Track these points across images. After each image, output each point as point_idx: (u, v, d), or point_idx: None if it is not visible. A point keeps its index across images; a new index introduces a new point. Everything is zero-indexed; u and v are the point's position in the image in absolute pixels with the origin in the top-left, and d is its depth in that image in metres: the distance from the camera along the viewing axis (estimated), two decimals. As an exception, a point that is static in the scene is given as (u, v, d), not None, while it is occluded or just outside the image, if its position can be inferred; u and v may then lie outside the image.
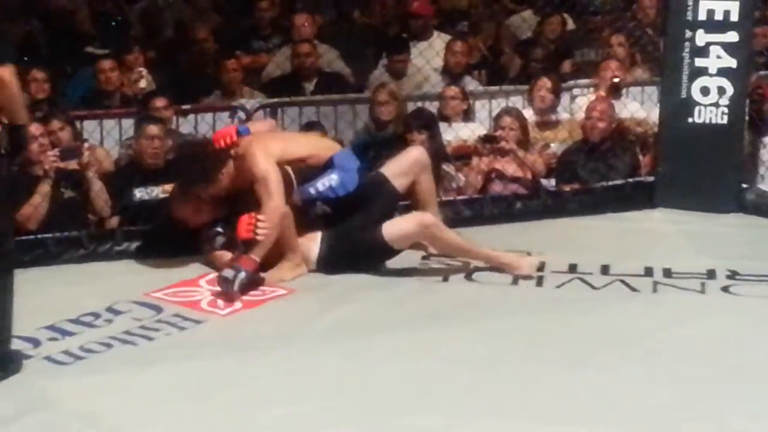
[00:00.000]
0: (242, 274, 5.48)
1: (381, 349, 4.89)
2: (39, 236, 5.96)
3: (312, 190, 5.93)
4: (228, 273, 5.48)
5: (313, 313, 5.34)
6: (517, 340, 4.96)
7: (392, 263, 5.84)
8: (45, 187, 6.04)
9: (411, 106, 7.74)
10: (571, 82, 8.33)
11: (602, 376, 4.54)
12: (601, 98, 7.49)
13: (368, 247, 5.77)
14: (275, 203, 5.64)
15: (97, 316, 5.22)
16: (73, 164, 6.24)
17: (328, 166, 5.96)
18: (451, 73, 8.39)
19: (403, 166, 6.09)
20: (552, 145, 7.58)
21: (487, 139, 7.11)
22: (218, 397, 4.36)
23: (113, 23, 9.12)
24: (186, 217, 5.94)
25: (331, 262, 5.82)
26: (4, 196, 4.51)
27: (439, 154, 7.03)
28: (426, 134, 7.02)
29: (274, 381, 4.52)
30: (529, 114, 7.67)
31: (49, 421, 4.10)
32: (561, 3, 9.20)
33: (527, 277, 5.76)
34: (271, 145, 5.85)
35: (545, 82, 7.77)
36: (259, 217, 5.59)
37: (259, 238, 5.56)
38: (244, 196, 5.79)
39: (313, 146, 6.13)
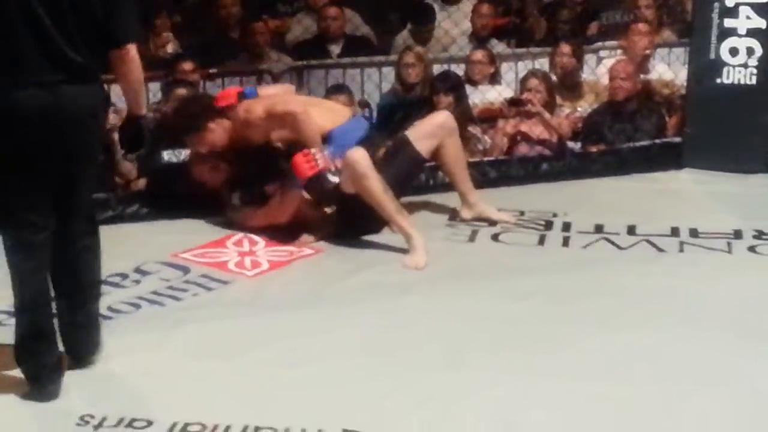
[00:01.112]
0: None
1: (409, 308, 4.91)
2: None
3: None
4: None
5: (340, 273, 5.34)
6: (544, 299, 4.97)
7: (418, 226, 5.83)
8: None
9: (438, 69, 7.73)
10: (598, 44, 8.29)
11: (629, 335, 4.54)
12: (626, 60, 7.46)
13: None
14: (311, 138, 5.74)
15: (124, 276, 5.25)
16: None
17: (325, 141, 5.89)
18: (478, 36, 8.35)
19: (428, 129, 6.05)
20: (579, 108, 7.56)
21: (514, 101, 7.11)
22: (247, 356, 4.39)
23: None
24: (203, 177, 5.99)
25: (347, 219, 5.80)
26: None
27: (465, 117, 7.02)
28: (452, 96, 7.01)
29: (302, 340, 4.54)
30: (554, 77, 7.67)
31: (77, 382, 4.12)
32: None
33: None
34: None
35: (565, 48, 7.73)
36: (311, 150, 5.63)
37: (322, 165, 5.59)
38: (258, 155, 5.83)
39: (319, 117, 5.97)
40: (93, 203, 4.26)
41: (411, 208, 6.04)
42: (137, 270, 5.34)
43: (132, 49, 3.98)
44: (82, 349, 4.22)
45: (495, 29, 8.66)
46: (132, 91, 4.09)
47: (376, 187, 5.51)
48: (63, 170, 3.95)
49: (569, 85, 7.73)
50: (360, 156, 5.54)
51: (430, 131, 6.04)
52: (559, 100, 7.49)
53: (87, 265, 4.15)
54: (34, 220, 3.90)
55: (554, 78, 7.66)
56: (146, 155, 6.23)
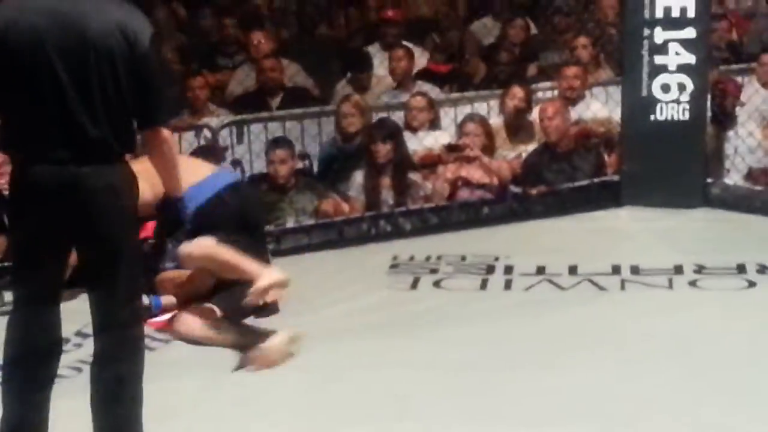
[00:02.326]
0: None
1: (349, 359, 4.88)
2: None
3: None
4: None
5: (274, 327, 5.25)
6: (488, 344, 4.96)
7: (360, 275, 5.81)
8: None
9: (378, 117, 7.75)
10: (534, 86, 8.35)
11: (573, 376, 4.55)
12: (555, 100, 7.56)
13: None
14: None
15: (66, 341, 5.18)
16: None
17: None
18: (397, 81, 8.36)
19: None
20: (523, 152, 7.60)
21: (452, 147, 7.15)
22: (186, 415, 4.36)
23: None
24: None
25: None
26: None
27: (404, 164, 7.05)
28: (390, 144, 7.02)
29: (244, 394, 4.52)
30: (499, 121, 7.72)
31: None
32: (521, 7, 9.23)
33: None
34: None
35: (517, 91, 7.78)
36: None
37: None
38: None
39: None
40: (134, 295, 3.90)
41: (352, 257, 6.04)
42: (78, 333, 5.23)
43: (164, 130, 3.81)
44: None
45: (435, 75, 8.70)
46: (165, 171, 3.93)
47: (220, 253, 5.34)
48: (87, 253, 3.78)
49: (518, 127, 7.76)
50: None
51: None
52: (508, 143, 7.55)
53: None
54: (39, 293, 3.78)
55: (502, 120, 7.72)
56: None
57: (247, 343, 4.90)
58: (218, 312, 5.25)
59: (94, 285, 3.81)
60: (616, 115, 7.51)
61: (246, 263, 5.30)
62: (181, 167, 5.20)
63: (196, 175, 5.44)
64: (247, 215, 5.62)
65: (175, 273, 5.58)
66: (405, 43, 8.68)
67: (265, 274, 5.27)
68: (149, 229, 5.28)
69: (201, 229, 5.35)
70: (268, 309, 5.45)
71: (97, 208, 3.69)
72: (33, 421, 3.83)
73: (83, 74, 3.63)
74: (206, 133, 7.62)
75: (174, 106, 3.89)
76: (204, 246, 5.33)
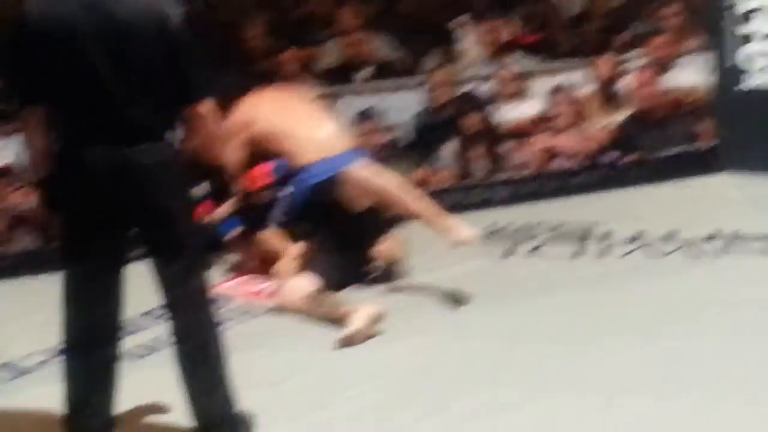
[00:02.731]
0: None
1: (447, 326, 4.88)
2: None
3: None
4: None
5: (373, 298, 5.26)
6: (584, 313, 4.90)
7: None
8: None
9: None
10: (624, 56, 8.25)
11: (672, 344, 4.45)
12: (647, 69, 7.47)
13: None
14: None
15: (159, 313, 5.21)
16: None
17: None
18: (492, 52, 8.32)
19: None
20: (614, 120, 7.52)
21: (542, 118, 7.09)
22: (289, 383, 4.37)
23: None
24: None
25: None
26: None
27: (494, 134, 7.01)
28: (480, 115, 6.98)
29: (344, 363, 4.54)
30: (589, 90, 7.65)
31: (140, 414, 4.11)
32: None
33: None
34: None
35: (606, 60, 7.72)
36: None
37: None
38: None
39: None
40: (194, 260, 3.87)
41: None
42: (146, 314, 5.17)
43: (201, 106, 3.79)
44: (203, 416, 3.88)
45: (524, 46, 8.64)
46: (203, 146, 3.91)
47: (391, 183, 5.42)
48: (147, 232, 3.79)
49: (608, 96, 7.69)
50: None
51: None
52: (598, 112, 7.47)
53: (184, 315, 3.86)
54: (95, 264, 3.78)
55: (592, 90, 7.66)
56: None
57: (340, 315, 4.90)
58: (317, 283, 5.25)
59: (157, 260, 3.82)
60: (705, 83, 7.39)
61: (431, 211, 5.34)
62: (315, 138, 5.42)
63: (325, 150, 5.47)
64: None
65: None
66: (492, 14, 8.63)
67: (456, 227, 5.24)
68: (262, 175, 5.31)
69: (312, 206, 5.41)
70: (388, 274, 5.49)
71: (150, 185, 3.71)
72: (96, 400, 3.84)
73: (119, 57, 3.65)
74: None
75: (212, 82, 3.86)
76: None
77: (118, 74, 3.66)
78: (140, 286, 3.91)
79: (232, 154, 5.54)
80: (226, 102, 5.41)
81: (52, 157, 3.77)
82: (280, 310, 5.26)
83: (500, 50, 8.38)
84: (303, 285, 5.21)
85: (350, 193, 5.41)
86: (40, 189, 3.87)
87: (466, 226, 5.26)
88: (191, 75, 3.76)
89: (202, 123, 3.80)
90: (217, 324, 3.89)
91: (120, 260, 3.83)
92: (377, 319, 4.83)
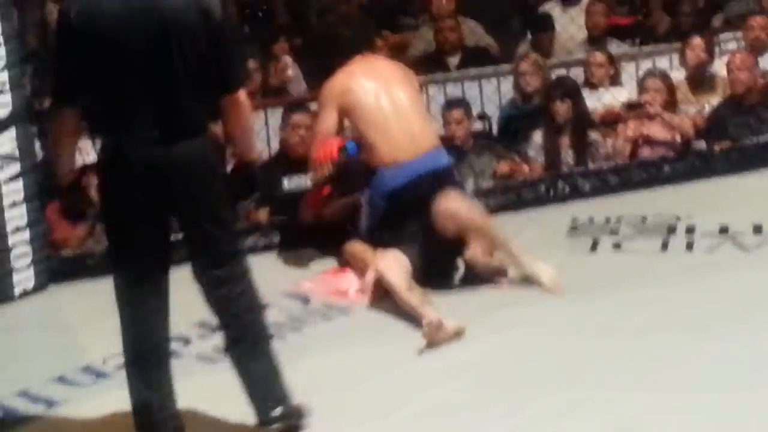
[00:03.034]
0: None
1: (530, 323, 4.89)
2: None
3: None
4: None
5: (457, 296, 5.32)
6: (669, 308, 4.87)
7: (537, 236, 5.78)
8: None
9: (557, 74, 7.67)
10: (720, 37, 8.14)
11: (759, 342, 4.42)
12: (744, 52, 7.34)
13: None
14: None
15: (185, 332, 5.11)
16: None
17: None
18: (592, 37, 8.26)
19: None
20: (706, 105, 7.43)
21: (632, 105, 7.03)
22: (368, 383, 4.42)
23: (259, 13, 9.24)
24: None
25: None
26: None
27: (584, 122, 6.97)
28: (569, 102, 6.94)
29: (423, 364, 4.57)
30: (680, 74, 7.55)
31: (205, 418, 4.17)
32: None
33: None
34: None
35: (698, 42, 7.60)
36: None
37: None
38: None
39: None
40: (233, 253, 3.99)
41: (530, 219, 5.99)
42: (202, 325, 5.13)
43: (242, 93, 3.91)
44: (261, 406, 3.98)
45: (618, 28, 8.56)
46: (243, 135, 4.03)
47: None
48: (188, 227, 3.90)
49: (701, 80, 7.59)
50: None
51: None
52: (690, 97, 7.38)
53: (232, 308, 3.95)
54: (144, 266, 3.87)
55: (684, 74, 7.57)
56: (267, 185, 6.22)
57: (421, 313, 4.91)
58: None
59: (197, 253, 3.90)
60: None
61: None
62: (399, 134, 5.38)
63: (408, 152, 5.44)
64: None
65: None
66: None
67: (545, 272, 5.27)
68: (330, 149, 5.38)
69: (392, 213, 5.42)
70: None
71: (193, 180, 3.80)
72: (159, 399, 3.92)
73: (163, 52, 3.71)
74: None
75: (245, 69, 3.93)
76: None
77: (164, 70, 3.72)
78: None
79: (322, 120, 5.61)
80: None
81: (98, 157, 3.85)
82: (369, 294, 5.30)
83: (594, 34, 8.31)
84: (401, 259, 5.25)
85: (438, 222, 5.38)
86: (65, 196, 3.95)
87: (550, 271, 5.27)
88: (233, 63, 3.85)
89: (240, 110, 3.90)
90: (264, 317, 4.03)
91: (167, 260, 3.92)
92: (456, 335, 4.80)
